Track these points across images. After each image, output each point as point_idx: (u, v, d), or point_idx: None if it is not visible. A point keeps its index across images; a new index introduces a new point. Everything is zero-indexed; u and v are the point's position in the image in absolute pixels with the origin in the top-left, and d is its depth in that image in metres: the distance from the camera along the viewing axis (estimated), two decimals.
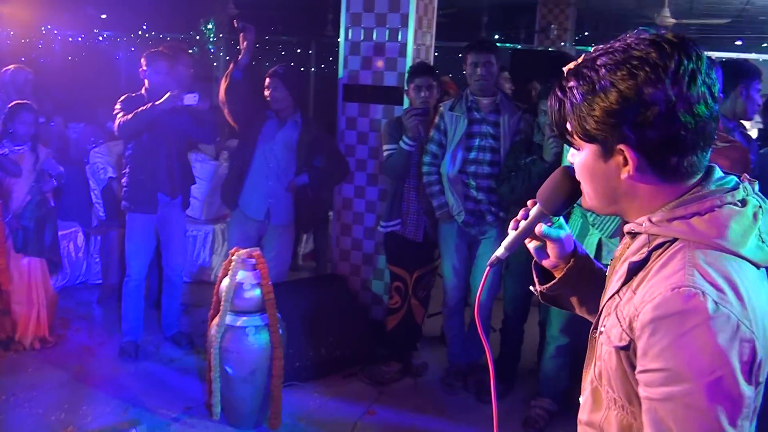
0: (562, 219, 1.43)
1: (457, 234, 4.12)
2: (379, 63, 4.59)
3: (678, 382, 1.06)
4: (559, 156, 3.68)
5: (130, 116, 4.15)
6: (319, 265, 6.27)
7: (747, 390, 1.06)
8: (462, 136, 3.98)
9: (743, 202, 1.16)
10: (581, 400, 1.37)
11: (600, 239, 3.55)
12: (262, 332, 3.54)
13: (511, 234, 1.42)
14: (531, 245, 1.46)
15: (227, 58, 9.98)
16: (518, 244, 1.42)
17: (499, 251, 1.41)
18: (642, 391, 1.13)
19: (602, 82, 1.14)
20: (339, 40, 4.77)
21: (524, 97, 5.39)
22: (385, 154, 4.18)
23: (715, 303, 1.06)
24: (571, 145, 1.26)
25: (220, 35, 9.70)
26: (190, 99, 4.17)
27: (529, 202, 1.41)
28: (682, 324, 1.06)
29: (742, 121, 3.90)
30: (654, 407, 1.10)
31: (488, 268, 1.42)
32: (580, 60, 1.20)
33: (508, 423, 3.90)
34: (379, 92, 4.61)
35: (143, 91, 4.36)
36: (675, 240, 1.16)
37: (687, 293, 1.07)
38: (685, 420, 1.07)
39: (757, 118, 4.48)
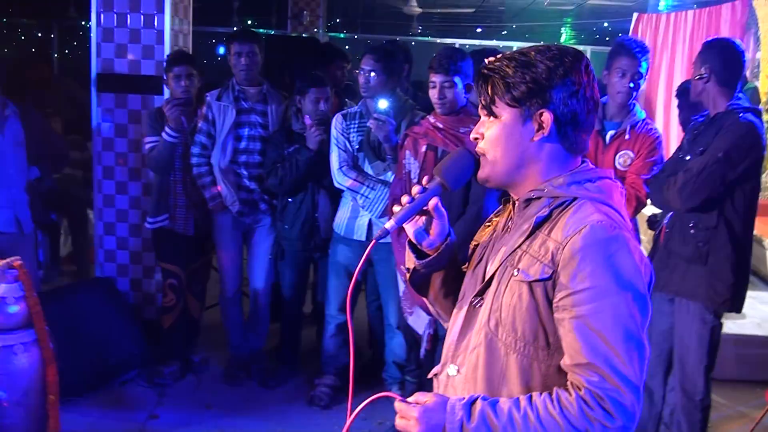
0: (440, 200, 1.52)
1: (232, 224, 4.08)
2: (135, 51, 4.36)
3: (608, 296, 1.31)
4: (323, 144, 3.76)
5: None
6: (81, 268, 5.87)
7: (648, 302, 1.36)
8: (231, 126, 3.92)
9: (612, 179, 1.48)
10: (452, 372, 1.51)
11: (370, 220, 3.70)
12: (32, 349, 3.24)
13: (404, 207, 1.47)
14: (411, 228, 1.54)
15: None
16: (409, 217, 1.49)
17: (389, 224, 1.46)
18: (566, 314, 1.33)
19: (531, 59, 1.42)
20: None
21: (282, 83, 5.41)
22: (148, 146, 3.99)
23: (626, 233, 1.36)
24: (491, 114, 1.45)
25: None
26: None
27: (424, 179, 1.51)
28: (608, 248, 1.33)
29: None
30: (584, 322, 1.31)
31: (374, 240, 1.48)
32: (498, 56, 1.47)
33: (294, 403, 3.97)
34: (137, 81, 4.39)
35: None
36: (574, 199, 1.40)
37: (609, 224, 1.35)
38: (615, 325, 1.30)
39: None
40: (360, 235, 3.74)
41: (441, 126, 3.26)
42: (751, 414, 4.01)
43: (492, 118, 1.46)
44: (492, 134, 1.45)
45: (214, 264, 4.51)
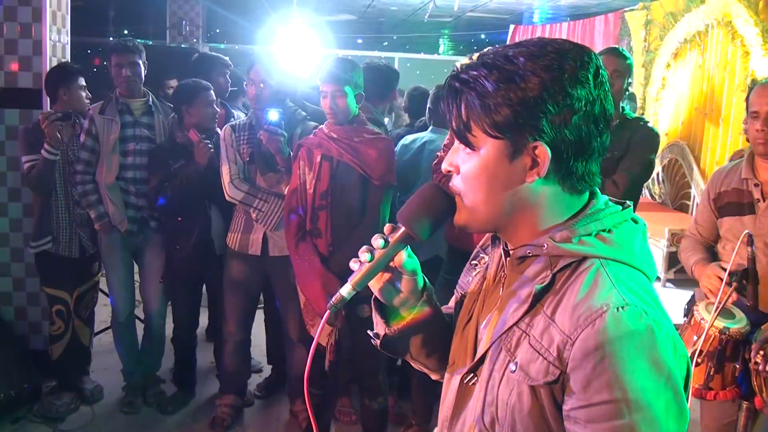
0: (409, 247, 1.20)
1: (121, 244, 3.91)
2: (12, 62, 4.13)
3: (632, 412, 0.96)
4: (212, 160, 3.68)
5: None
6: None
7: (686, 404, 1.01)
8: (116, 140, 3.77)
9: (634, 221, 1.12)
10: None
11: (265, 233, 3.65)
12: None
13: (362, 267, 1.17)
14: (376, 286, 1.22)
15: None
16: (370, 279, 1.18)
17: (345, 289, 1.17)
18: (579, 428, 1.00)
19: (521, 71, 1.02)
20: None
21: (160, 95, 5.26)
22: (27, 165, 3.78)
23: (656, 321, 0.98)
24: (466, 143, 1.09)
25: None
26: None
27: (386, 227, 1.18)
28: (633, 347, 0.96)
29: None
30: None
31: (328, 311, 1.20)
32: (474, 57, 1.08)
33: (195, 426, 3.86)
34: (14, 95, 4.16)
35: None
36: (582, 259, 1.06)
37: (631, 312, 0.98)
38: None
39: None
40: (255, 249, 3.67)
41: (335, 136, 3.26)
42: None
43: (468, 149, 1.09)
44: (469, 172, 1.09)
45: (101, 287, 4.32)
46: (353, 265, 1.18)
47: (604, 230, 1.08)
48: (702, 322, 2.53)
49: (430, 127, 4.12)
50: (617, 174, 3.24)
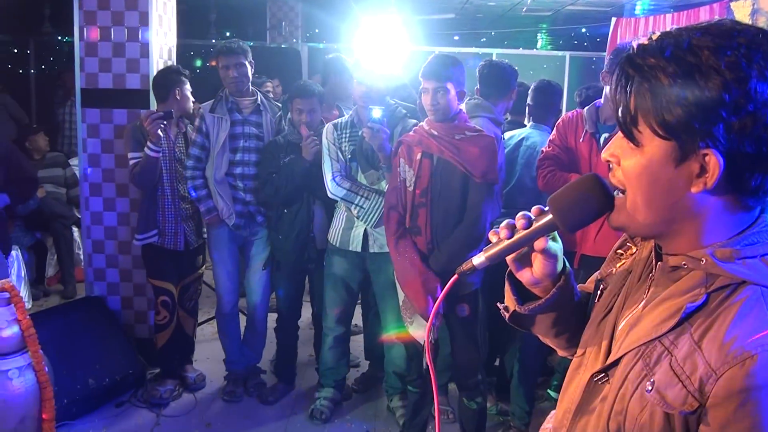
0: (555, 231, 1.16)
1: (228, 238, 4.02)
2: (119, 65, 4.30)
3: None
4: (318, 154, 3.73)
5: None
6: (67, 287, 5.78)
7: None
8: (226, 138, 3.88)
9: None
10: None
11: (366, 230, 3.66)
12: (27, 373, 3.15)
13: (501, 242, 1.14)
14: (513, 263, 1.20)
15: None
16: (505, 255, 1.15)
17: (478, 259, 1.15)
18: None
19: (703, 66, 0.90)
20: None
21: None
22: (132, 162, 3.94)
23: None
24: (630, 138, 0.99)
25: None
26: None
27: (534, 209, 1.14)
28: None
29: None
30: None
31: (456, 275, 1.18)
32: (655, 38, 0.96)
33: (294, 418, 3.92)
34: (122, 96, 4.33)
35: None
36: (742, 282, 0.95)
37: None
38: None
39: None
40: (356, 246, 3.70)
41: (436, 133, 3.23)
42: None
43: (632, 143, 0.99)
44: (631, 169, 1.00)
45: (205, 279, 4.45)
46: (492, 237, 1.15)
47: None
48: None
49: (530, 123, 4.04)
50: None
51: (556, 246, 1.17)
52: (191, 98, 4.05)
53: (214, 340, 4.41)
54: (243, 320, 4.33)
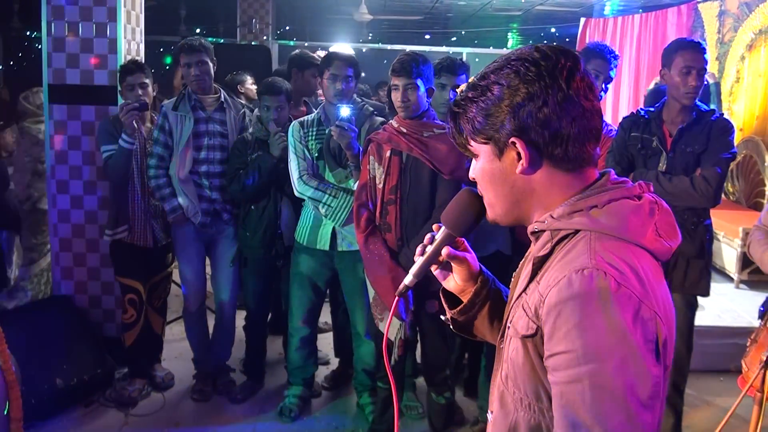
0: (466, 241, 1.43)
1: (194, 236, 4.00)
2: (89, 60, 4.26)
3: (585, 363, 1.05)
4: (285, 150, 3.73)
5: None
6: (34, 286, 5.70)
7: (654, 369, 1.06)
8: (189, 135, 3.86)
9: (639, 197, 1.20)
10: (489, 416, 1.37)
11: (334, 228, 3.67)
12: None
13: (418, 260, 1.40)
14: (436, 271, 1.45)
15: None
16: (426, 270, 1.41)
17: (407, 279, 1.39)
18: (550, 377, 1.11)
19: (487, 82, 1.21)
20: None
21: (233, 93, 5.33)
22: (105, 156, 3.90)
23: (617, 282, 1.06)
24: (470, 154, 1.29)
25: None
26: None
27: (434, 226, 1.41)
28: (586, 304, 1.06)
29: None
30: (562, 391, 1.08)
31: (396, 297, 1.41)
32: (466, 85, 1.27)
33: (263, 415, 3.92)
34: (90, 92, 4.28)
35: None
36: (577, 232, 1.17)
37: (589, 274, 1.07)
38: (594, 401, 1.04)
39: None
40: (323, 244, 3.70)
41: (405, 130, 3.26)
42: (715, 402, 4.14)
43: (474, 158, 1.29)
44: (477, 176, 1.28)
45: (174, 277, 4.42)
46: (416, 258, 1.41)
47: (596, 206, 1.17)
48: None
49: None
50: (706, 170, 3.17)
51: (462, 252, 1.41)
52: (148, 94, 3.94)
53: (183, 339, 4.38)
54: (212, 318, 4.31)
